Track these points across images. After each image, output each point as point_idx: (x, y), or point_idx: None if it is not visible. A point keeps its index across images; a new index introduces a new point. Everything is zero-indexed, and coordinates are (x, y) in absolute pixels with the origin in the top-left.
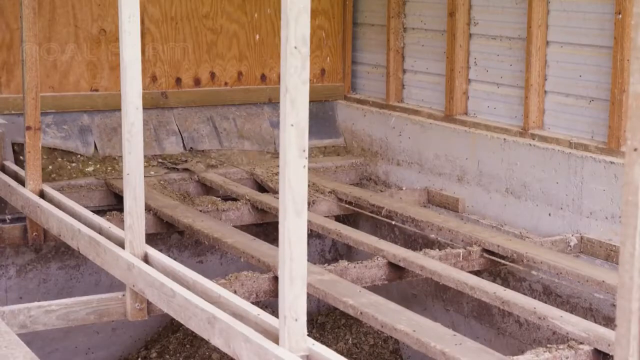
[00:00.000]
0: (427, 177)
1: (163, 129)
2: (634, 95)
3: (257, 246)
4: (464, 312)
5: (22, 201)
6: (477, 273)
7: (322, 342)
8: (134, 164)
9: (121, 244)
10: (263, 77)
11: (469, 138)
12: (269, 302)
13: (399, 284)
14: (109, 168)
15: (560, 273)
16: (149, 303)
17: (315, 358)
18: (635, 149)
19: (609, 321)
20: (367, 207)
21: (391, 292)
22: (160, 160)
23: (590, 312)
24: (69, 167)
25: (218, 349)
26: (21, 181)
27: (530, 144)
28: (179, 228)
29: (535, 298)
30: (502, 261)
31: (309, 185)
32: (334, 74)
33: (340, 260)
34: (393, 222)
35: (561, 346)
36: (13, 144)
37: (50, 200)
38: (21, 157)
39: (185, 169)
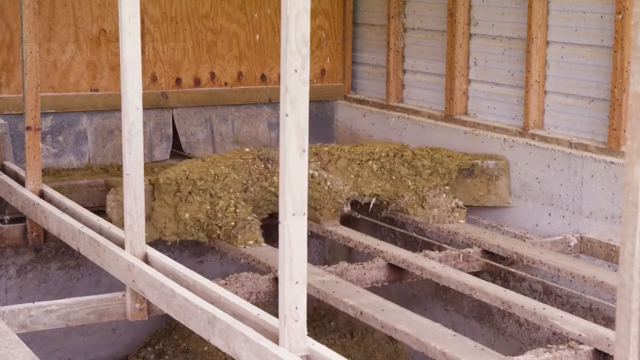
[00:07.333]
0: None
1: (158, 132)
2: (634, 95)
3: (257, 247)
4: (464, 312)
5: (22, 201)
6: (477, 274)
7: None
8: (134, 164)
9: (121, 244)
10: (263, 77)
11: (469, 138)
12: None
13: (399, 284)
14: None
15: (560, 273)
16: (149, 303)
17: (315, 358)
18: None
19: (609, 321)
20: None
21: (391, 292)
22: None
23: (590, 312)
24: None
25: (217, 349)
26: (21, 181)
27: (530, 144)
28: None
29: (535, 298)
30: (501, 266)
31: None
32: (334, 74)
33: (340, 262)
34: (393, 223)
35: (561, 346)
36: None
37: (50, 201)
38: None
39: None
